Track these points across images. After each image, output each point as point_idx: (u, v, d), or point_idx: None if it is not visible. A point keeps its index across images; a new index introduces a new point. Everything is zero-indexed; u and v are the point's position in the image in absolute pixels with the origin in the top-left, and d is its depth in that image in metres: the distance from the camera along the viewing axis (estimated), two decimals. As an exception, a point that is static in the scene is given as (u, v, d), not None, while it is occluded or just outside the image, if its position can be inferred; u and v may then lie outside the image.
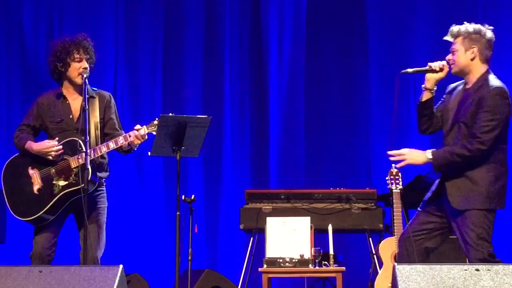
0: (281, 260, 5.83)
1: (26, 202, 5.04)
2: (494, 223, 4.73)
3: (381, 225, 6.76)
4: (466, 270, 4.13)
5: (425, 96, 4.84)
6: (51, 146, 5.02)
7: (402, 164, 4.83)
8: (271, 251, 5.90)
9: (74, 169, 5.00)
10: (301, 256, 5.86)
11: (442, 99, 4.94)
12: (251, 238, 6.67)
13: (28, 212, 5.01)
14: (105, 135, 5.19)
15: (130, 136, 4.96)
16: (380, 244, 6.07)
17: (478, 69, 4.76)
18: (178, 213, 4.97)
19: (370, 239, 6.72)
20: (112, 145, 5.02)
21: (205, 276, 6.67)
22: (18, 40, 8.08)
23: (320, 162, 8.18)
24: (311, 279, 6.93)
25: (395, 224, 5.99)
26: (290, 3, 8.16)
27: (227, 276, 6.91)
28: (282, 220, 6.11)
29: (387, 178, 6.05)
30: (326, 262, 5.98)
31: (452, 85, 4.94)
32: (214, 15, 8.25)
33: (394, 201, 6.01)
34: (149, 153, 5.03)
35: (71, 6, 8.10)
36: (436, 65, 4.80)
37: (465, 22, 4.82)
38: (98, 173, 5.07)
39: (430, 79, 4.82)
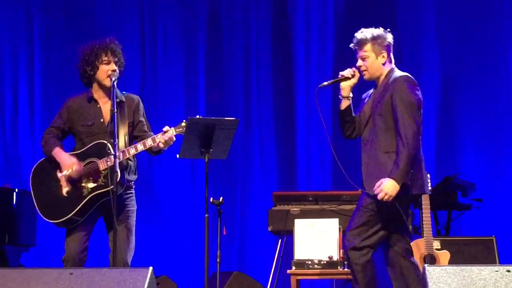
0: (309, 262, 5.82)
1: (55, 204, 5.05)
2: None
3: (410, 227, 6.71)
4: (497, 271, 4.10)
5: (344, 104, 5.02)
6: (74, 164, 5.04)
7: (385, 198, 4.75)
8: (299, 253, 5.89)
9: (103, 172, 5.01)
10: (330, 258, 5.85)
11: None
12: (279, 240, 6.65)
13: (58, 214, 5.02)
14: (135, 138, 5.20)
15: (158, 138, 4.97)
16: (409, 246, 6.03)
17: (387, 70, 4.96)
18: (206, 215, 4.97)
19: (399, 241, 6.67)
20: (140, 147, 5.02)
21: (234, 278, 6.68)
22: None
23: (348, 164, 8.15)
24: (340, 281, 6.90)
25: (424, 226, 5.97)
26: (317, 5, 8.17)
27: (256, 278, 6.91)
28: (310, 222, 6.10)
29: (415, 179, 6.02)
30: (355, 264, 5.95)
31: (364, 94, 5.10)
32: (240, 19, 8.28)
33: (423, 202, 5.99)
34: (177, 155, 5.04)
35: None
36: (347, 72, 4.99)
37: (362, 29, 4.96)
38: (126, 176, 5.08)
39: (345, 87, 5.00)
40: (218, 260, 5.32)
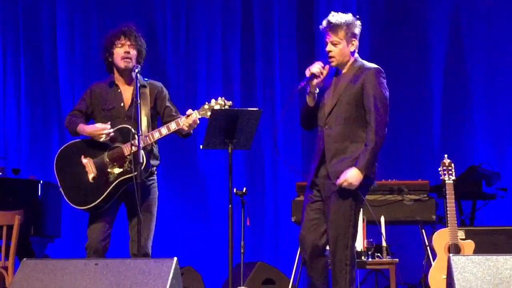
0: (333, 252, 5.79)
1: (82, 191, 5.08)
2: None
3: (434, 217, 6.70)
4: (523, 260, 4.08)
5: (312, 100, 4.88)
6: (103, 128, 5.07)
7: (348, 186, 4.70)
8: (323, 244, 5.87)
9: (128, 156, 5.02)
10: (354, 248, 5.83)
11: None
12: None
13: (86, 200, 5.05)
14: (164, 123, 5.20)
15: (182, 122, 4.98)
16: (434, 236, 6.01)
17: (353, 59, 4.86)
18: (230, 206, 4.98)
19: (423, 230, 6.67)
20: (164, 130, 5.04)
21: (258, 268, 6.69)
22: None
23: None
24: (364, 271, 6.89)
25: (448, 216, 5.93)
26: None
27: (279, 269, 6.92)
28: (334, 212, 6.07)
29: (439, 169, 6.00)
30: (379, 254, 5.95)
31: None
32: (264, 13, 8.32)
33: (447, 192, 5.95)
34: (201, 146, 5.05)
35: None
36: (317, 70, 4.80)
37: (333, 13, 4.84)
38: (150, 161, 5.10)
39: (315, 84, 4.84)
40: (242, 250, 5.33)
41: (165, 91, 5.31)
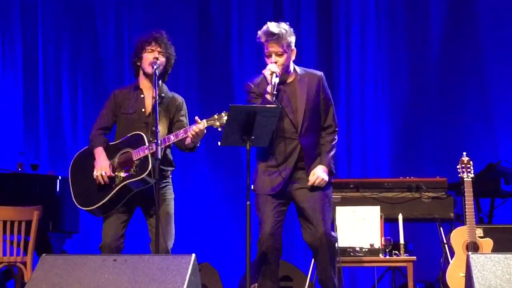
0: (351, 250, 5.81)
1: (88, 192, 5.13)
2: None
3: (452, 214, 6.68)
4: (542, 259, 4.07)
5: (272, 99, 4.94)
6: (103, 169, 5.08)
7: (322, 183, 5.00)
8: (340, 241, 5.85)
9: (135, 161, 5.07)
10: (371, 245, 5.83)
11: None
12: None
13: (89, 201, 5.10)
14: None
15: (190, 129, 5.00)
16: (452, 233, 5.99)
17: (293, 66, 5.05)
18: (248, 202, 4.97)
19: (441, 228, 6.65)
20: (172, 137, 5.08)
21: (275, 265, 6.67)
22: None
23: (386, 150, 8.16)
24: (382, 269, 6.88)
25: (466, 213, 5.92)
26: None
27: (297, 266, 6.92)
28: (352, 209, 6.08)
29: (458, 166, 5.98)
30: (396, 252, 5.94)
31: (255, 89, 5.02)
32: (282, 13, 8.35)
33: (465, 189, 5.94)
34: (219, 143, 5.04)
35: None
36: (277, 71, 4.88)
37: (273, 23, 4.92)
38: (161, 166, 5.11)
39: (273, 85, 4.88)
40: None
41: (185, 106, 5.36)
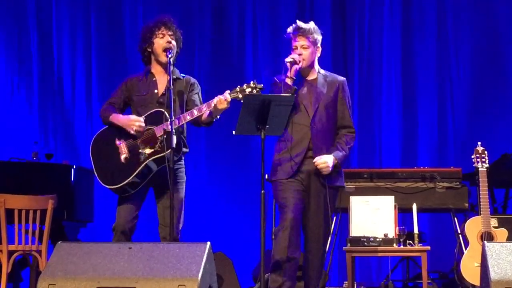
0: (365, 239, 5.80)
1: (114, 171, 5.14)
2: None
3: (466, 204, 6.67)
4: (558, 248, 4.05)
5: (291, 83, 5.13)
6: (136, 120, 5.13)
7: (325, 168, 5.09)
8: (354, 230, 5.87)
9: (159, 137, 5.08)
10: (385, 235, 5.82)
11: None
12: (335, 217, 6.64)
13: (116, 180, 5.11)
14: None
15: (213, 101, 5.01)
16: (466, 224, 5.97)
17: (317, 66, 5.24)
18: (262, 191, 4.98)
19: (455, 218, 6.63)
20: (196, 112, 5.08)
21: (289, 255, 6.67)
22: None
23: (401, 141, 8.15)
24: (396, 259, 6.88)
25: (481, 203, 5.90)
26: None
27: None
28: (365, 199, 6.07)
29: (472, 156, 5.96)
30: (410, 242, 5.93)
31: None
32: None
33: (480, 180, 5.91)
34: (233, 132, 5.05)
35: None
36: (296, 58, 5.09)
37: (301, 22, 5.15)
38: (181, 143, 5.15)
39: (293, 70, 5.10)
40: (273, 237, 5.32)
41: (198, 87, 5.39)
